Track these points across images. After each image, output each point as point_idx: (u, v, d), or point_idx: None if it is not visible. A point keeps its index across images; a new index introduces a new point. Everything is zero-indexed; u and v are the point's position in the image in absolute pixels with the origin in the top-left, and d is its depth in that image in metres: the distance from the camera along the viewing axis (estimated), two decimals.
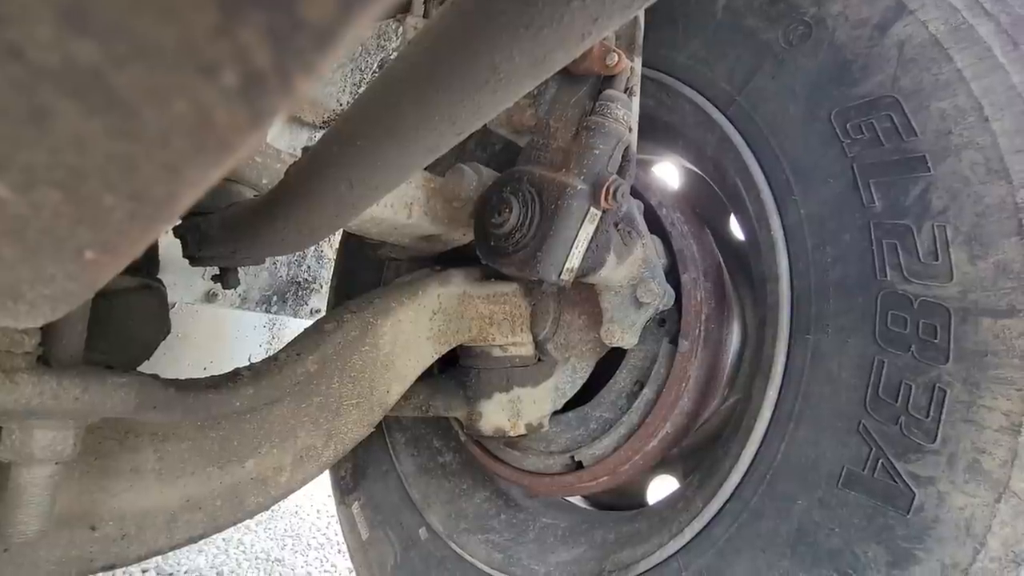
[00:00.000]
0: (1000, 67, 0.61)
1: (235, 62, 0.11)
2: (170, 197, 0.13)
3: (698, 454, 1.22)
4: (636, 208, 0.94)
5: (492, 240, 0.76)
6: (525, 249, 0.73)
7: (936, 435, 0.57)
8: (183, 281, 1.64)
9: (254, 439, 0.66)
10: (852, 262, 0.67)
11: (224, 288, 0.72)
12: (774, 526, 0.67)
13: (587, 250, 0.75)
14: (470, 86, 0.31)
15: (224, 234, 0.62)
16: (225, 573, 1.88)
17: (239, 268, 0.76)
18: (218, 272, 0.75)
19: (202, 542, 2.07)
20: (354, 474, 1.31)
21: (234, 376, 0.66)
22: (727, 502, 0.74)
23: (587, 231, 0.72)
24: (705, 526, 0.75)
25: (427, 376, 1.03)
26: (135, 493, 0.58)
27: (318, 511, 2.46)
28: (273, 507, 2.58)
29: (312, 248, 1.96)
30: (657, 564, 0.79)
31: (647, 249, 0.90)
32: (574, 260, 0.73)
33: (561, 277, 0.73)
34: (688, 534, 0.77)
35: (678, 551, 0.77)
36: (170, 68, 0.11)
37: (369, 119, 0.39)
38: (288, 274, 1.88)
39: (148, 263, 0.83)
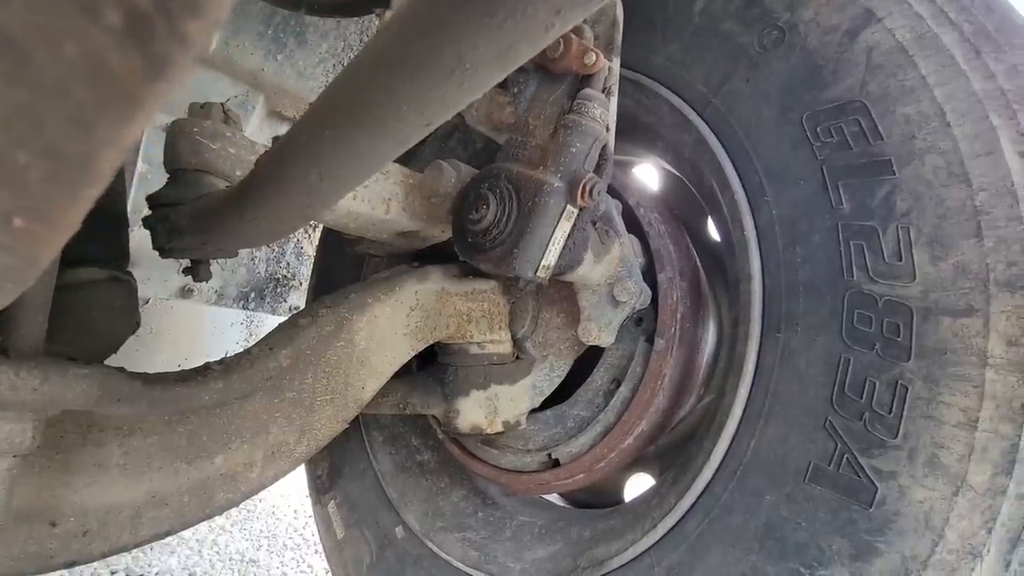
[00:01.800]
0: (962, 74, 0.63)
1: (115, 1, 0.11)
2: (87, 156, 0.13)
3: (673, 452, 1.24)
4: (614, 207, 0.95)
5: (469, 236, 0.76)
6: (502, 246, 0.73)
7: (898, 431, 0.58)
8: (157, 276, 1.60)
9: (224, 434, 0.65)
10: (821, 262, 0.68)
11: (195, 281, 0.71)
12: (743, 521, 0.68)
13: (564, 248, 0.75)
14: (437, 76, 0.31)
15: (194, 225, 0.61)
16: (198, 574, 1.84)
17: (212, 261, 0.74)
18: (189, 264, 0.74)
19: (175, 543, 2.03)
20: (330, 473, 1.30)
21: (204, 370, 0.65)
22: (699, 498, 0.75)
23: (563, 229, 0.73)
24: (677, 522, 0.76)
25: (405, 373, 1.03)
26: (98, 488, 0.57)
27: (295, 511, 2.43)
28: (249, 507, 2.54)
29: (291, 244, 1.94)
30: (630, 560, 0.80)
31: (624, 248, 0.91)
32: (550, 257, 0.73)
33: (537, 274, 0.73)
34: (661, 530, 0.78)
35: (651, 547, 0.78)
36: (51, 5, 0.11)
37: (338, 109, 0.39)
38: (266, 270, 1.86)
39: (117, 255, 0.81)
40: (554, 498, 1.32)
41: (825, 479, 0.62)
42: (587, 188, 0.70)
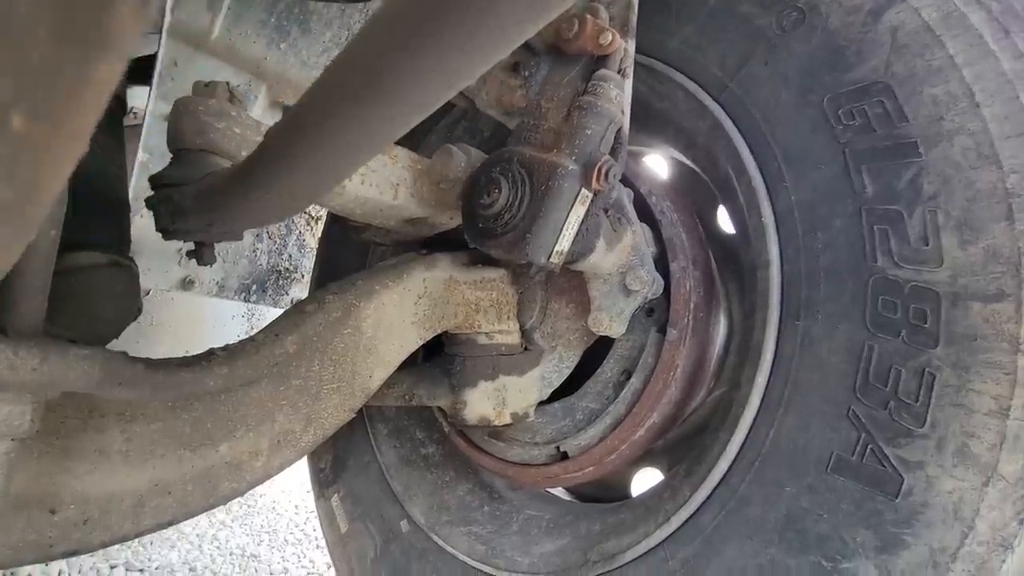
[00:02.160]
0: (991, 54, 0.61)
1: None
2: (103, 23, 0.11)
3: (683, 447, 1.22)
4: (626, 196, 0.93)
5: (480, 221, 0.74)
6: (514, 231, 0.71)
7: (925, 419, 0.57)
8: (158, 267, 1.58)
9: (229, 422, 0.63)
10: (843, 248, 0.66)
11: (199, 264, 0.69)
12: (762, 513, 0.66)
13: (577, 233, 0.73)
14: (460, 32, 0.29)
15: (199, 205, 0.59)
16: (199, 569, 1.83)
17: (216, 245, 0.72)
18: (193, 248, 0.72)
19: (175, 537, 2.02)
20: (334, 466, 1.28)
21: (208, 356, 0.63)
22: (715, 490, 0.73)
23: (577, 213, 0.71)
24: (692, 514, 0.75)
25: (410, 364, 1.02)
26: (99, 475, 0.55)
27: (296, 507, 2.41)
28: (250, 503, 2.52)
29: (294, 236, 1.92)
30: (643, 554, 0.78)
31: (637, 236, 0.89)
32: (564, 243, 0.72)
33: (550, 260, 0.71)
34: (675, 523, 0.76)
35: (664, 540, 0.76)
36: None
37: (353, 73, 0.37)
38: (268, 263, 1.84)
39: (118, 241, 0.79)
40: (559, 493, 1.30)
41: (848, 469, 0.60)
42: (603, 171, 0.68)
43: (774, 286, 0.73)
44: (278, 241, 1.88)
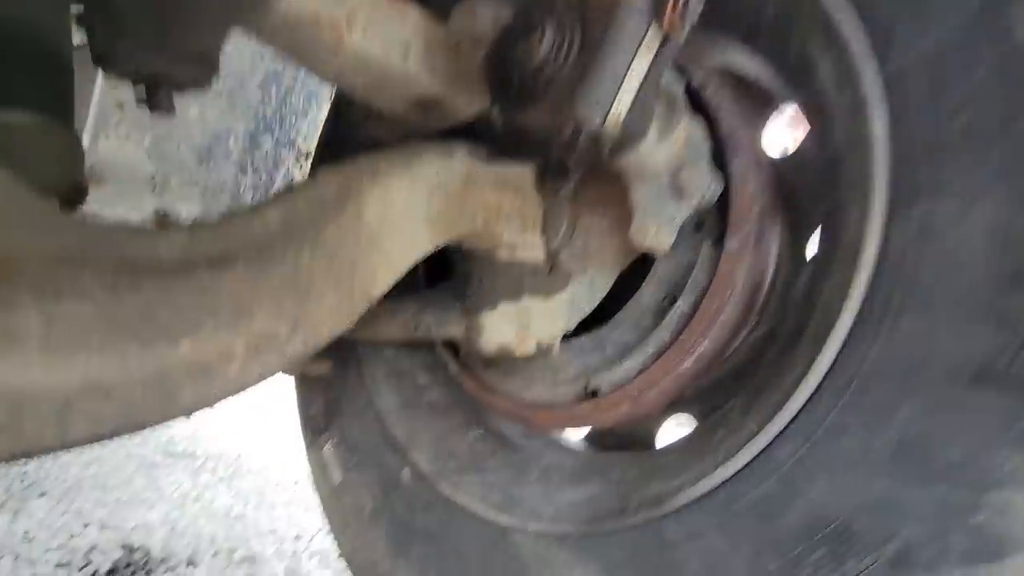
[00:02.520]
0: None
1: None
2: None
3: (720, 392, 1.09)
4: (676, 81, 0.78)
5: (516, 78, 0.58)
6: (560, 86, 0.56)
7: None
8: (128, 196, 1.41)
9: (192, 312, 0.48)
10: (983, 109, 0.52)
11: (152, 110, 0.53)
12: (864, 442, 0.53)
13: (636, 97, 0.58)
14: None
15: (148, 15, 0.44)
16: (179, 529, 1.70)
17: (176, 102, 0.56)
18: (144, 94, 0.56)
19: (154, 497, 1.89)
20: (327, 411, 1.15)
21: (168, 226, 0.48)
22: (794, 419, 0.60)
23: (641, 65, 0.56)
24: (763, 450, 0.62)
25: (415, 289, 0.87)
26: (8, 367, 0.40)
27: (285, 468, 2.29)
28: (236, 464, 2.38)
29: (281, 173, 1.75)
30: (700, 497, 0.65)
31: (691, 128, 0.75)
32: (622, 104, 0.57)
33: (606, 124, 0.57)
34: (741, 460, 0.63)
35: (728, 480, 0.63)
36: None
37: None
38: (253, 198, 1.67)
39: (56, 103, 0.63)
40: (577, 446, 1.18)
41: (994, 380, 0.47)
42: (678, 1, 0.53)
43: (880, 168, 0.58)
44: (264, 176, 1.70)
